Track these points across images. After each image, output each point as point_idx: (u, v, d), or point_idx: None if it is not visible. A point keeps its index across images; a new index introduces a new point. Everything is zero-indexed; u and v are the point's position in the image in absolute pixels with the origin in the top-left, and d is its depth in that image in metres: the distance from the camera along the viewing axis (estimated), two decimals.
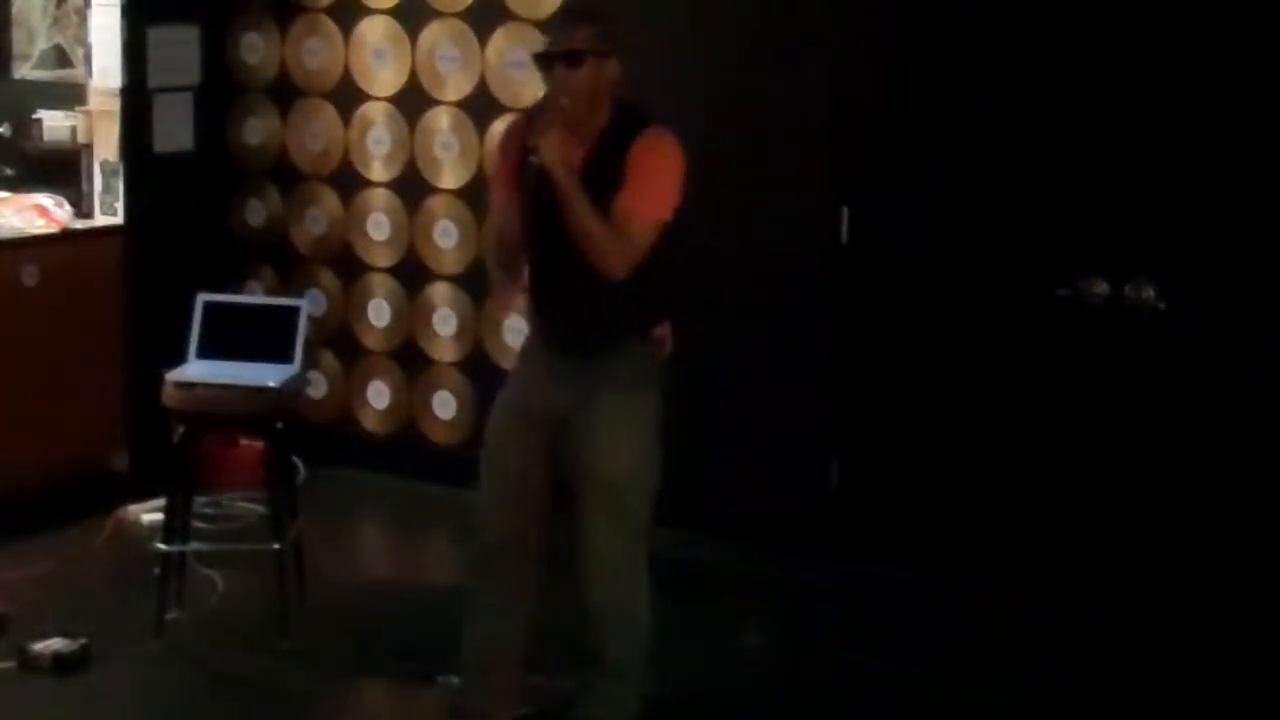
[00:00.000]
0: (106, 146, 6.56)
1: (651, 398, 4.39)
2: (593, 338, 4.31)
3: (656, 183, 4.24)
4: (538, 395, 4.36)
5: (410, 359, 6.78)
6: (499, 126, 6.13)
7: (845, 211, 5.80)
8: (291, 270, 7.00)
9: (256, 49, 6.97)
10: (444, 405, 6.68)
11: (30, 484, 6.01)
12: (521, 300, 4.82)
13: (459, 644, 4.56)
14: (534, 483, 4.40)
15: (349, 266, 6.89)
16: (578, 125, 4.23)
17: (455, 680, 4.66)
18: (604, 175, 4.20)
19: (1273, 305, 5.17)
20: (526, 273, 4.43)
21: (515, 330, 6.30)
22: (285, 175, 6.98)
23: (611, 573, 4.38)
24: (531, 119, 4.34)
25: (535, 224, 4.28)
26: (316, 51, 6.85)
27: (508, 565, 4.43)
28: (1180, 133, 5.24)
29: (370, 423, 6.92)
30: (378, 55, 6.71)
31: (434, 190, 6.62)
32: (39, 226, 6.30)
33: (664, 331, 4.43)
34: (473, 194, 6.47)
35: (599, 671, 4.46)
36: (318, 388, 6.92)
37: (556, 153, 4.14)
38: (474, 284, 6.53)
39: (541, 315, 4.47)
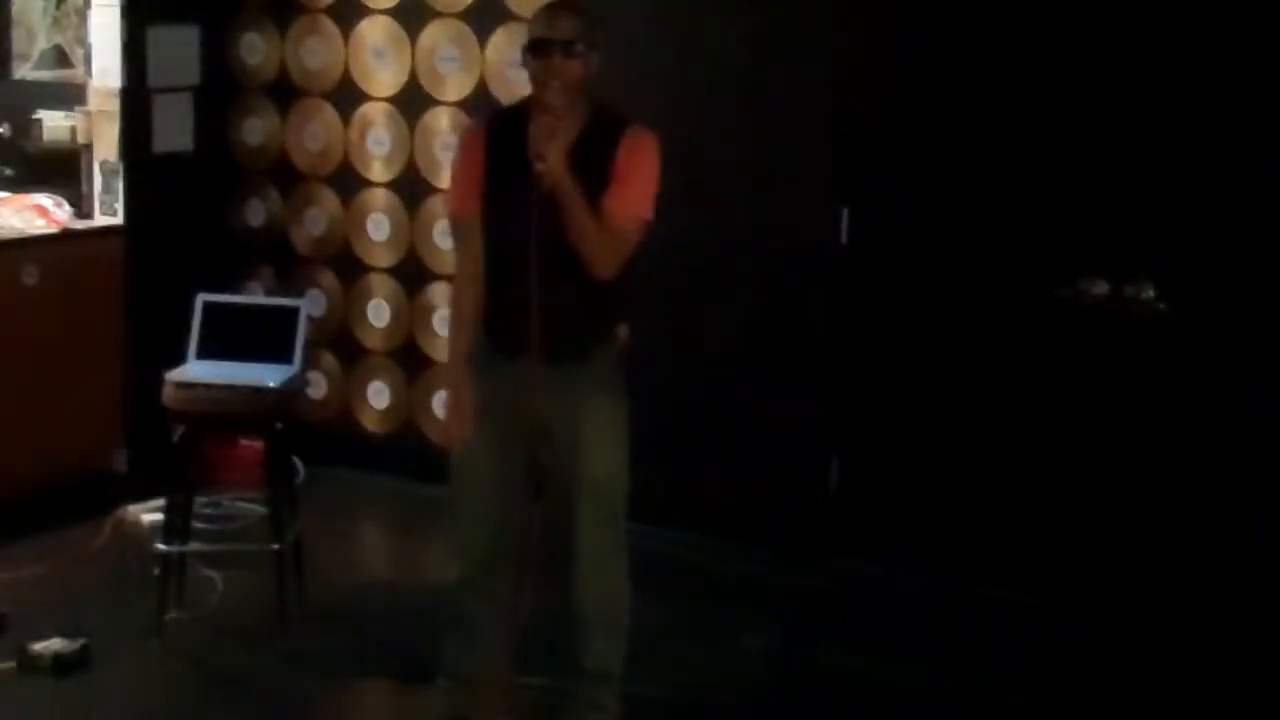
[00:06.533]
0: (106, 146, 6.55)
1: (625, 398, 4.38)
2: (569, 343, 4.23)
3: (646, 183, 4.25)
4: (512, 402, 4.26)
5: (410, 359, 6.77)
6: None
7: (845, 211, 5.80)
8: (291, 270, 7.00)
9: (256, 49, 6.97)
10: (444, 405, 6.65)
11: (30, 484, 6.01)
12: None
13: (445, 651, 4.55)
14: (510, 492, 4.36)
15: (349, 266, 6.89)
16: (561, 120, 4.16)
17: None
18: (588, 172, 4.14)
19: (1273, 305, 5.18)
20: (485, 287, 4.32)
21: None
22: (285, 175, 6.98)
23: (601, 575, 4.37)
24: (494, 124, 4.33)
25: (517, 230, 4.12)
26: (316, 51, 6.85)
27: (493, 578, 4.41)
28: (1180, 132, 5.25)
29: (370, 423, 6.92)
30: (378, 55, 6.71)
31: (434, 190, 6.61)
32: (39, 226, 6.31)
33: (624, 330, 4.41)
34: None
35: (581, 676, 4.45)
36: (318, 388, 6.92)
37: (563, 161, 4.08)
38: None
39: (511, 322, 4.22)
